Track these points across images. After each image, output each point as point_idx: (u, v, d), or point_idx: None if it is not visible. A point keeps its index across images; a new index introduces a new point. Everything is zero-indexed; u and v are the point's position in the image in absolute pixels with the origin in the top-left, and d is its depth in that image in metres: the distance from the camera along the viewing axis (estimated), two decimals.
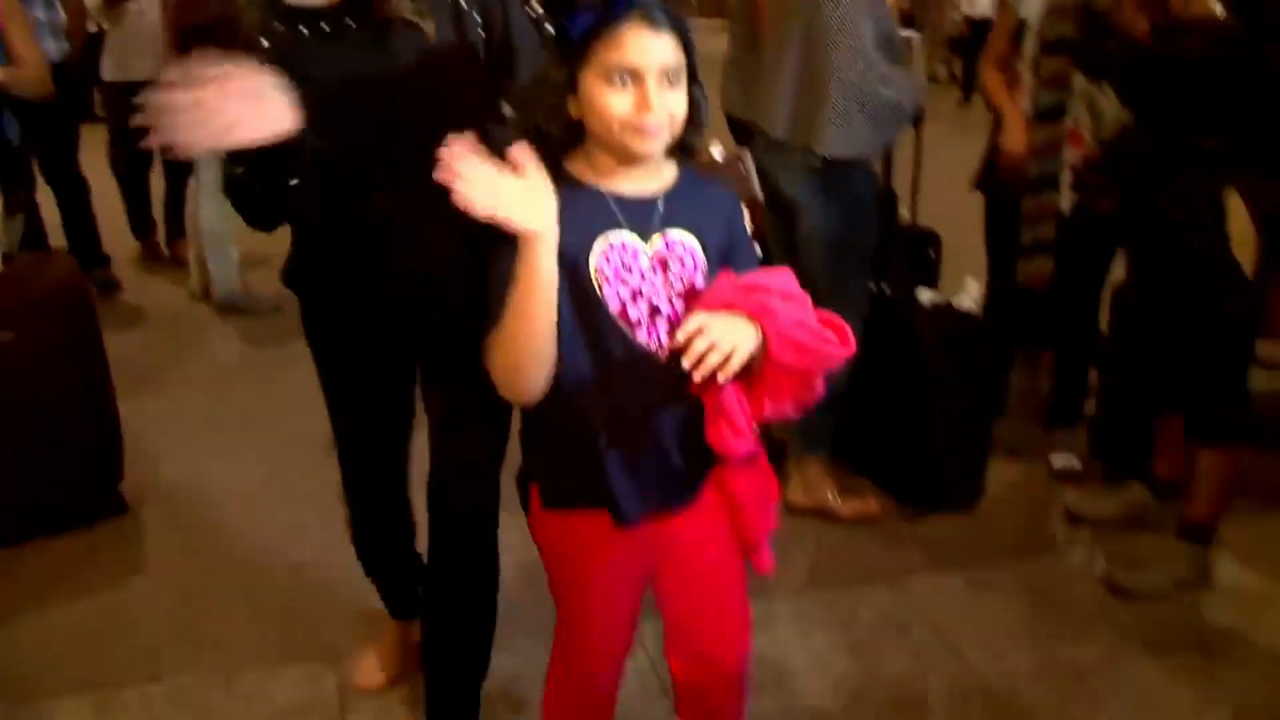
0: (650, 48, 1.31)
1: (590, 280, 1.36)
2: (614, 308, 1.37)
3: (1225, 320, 2.47)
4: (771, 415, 1.39)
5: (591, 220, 1.37)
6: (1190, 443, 2.63)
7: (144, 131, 1.28)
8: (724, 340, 1.28)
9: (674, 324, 1.38)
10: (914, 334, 2.83)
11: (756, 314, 1.32)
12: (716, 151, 1.59)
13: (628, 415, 1.41)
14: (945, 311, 2.90)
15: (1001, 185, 3.11)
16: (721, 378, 1.29)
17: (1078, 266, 3.03)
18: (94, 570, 2.65)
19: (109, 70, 4.68)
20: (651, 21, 1.32)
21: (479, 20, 1.65)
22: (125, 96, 4.37)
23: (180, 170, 4.64)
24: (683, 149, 1.42)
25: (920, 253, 3.20)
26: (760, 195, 1.60)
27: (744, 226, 1.49)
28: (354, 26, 1.58)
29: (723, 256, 1.43)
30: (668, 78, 1.33)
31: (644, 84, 1.32)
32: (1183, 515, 2.65)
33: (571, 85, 1.35)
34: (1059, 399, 3.26)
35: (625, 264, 1.37)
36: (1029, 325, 3.23)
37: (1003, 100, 3.11)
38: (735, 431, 1.38)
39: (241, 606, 2.50)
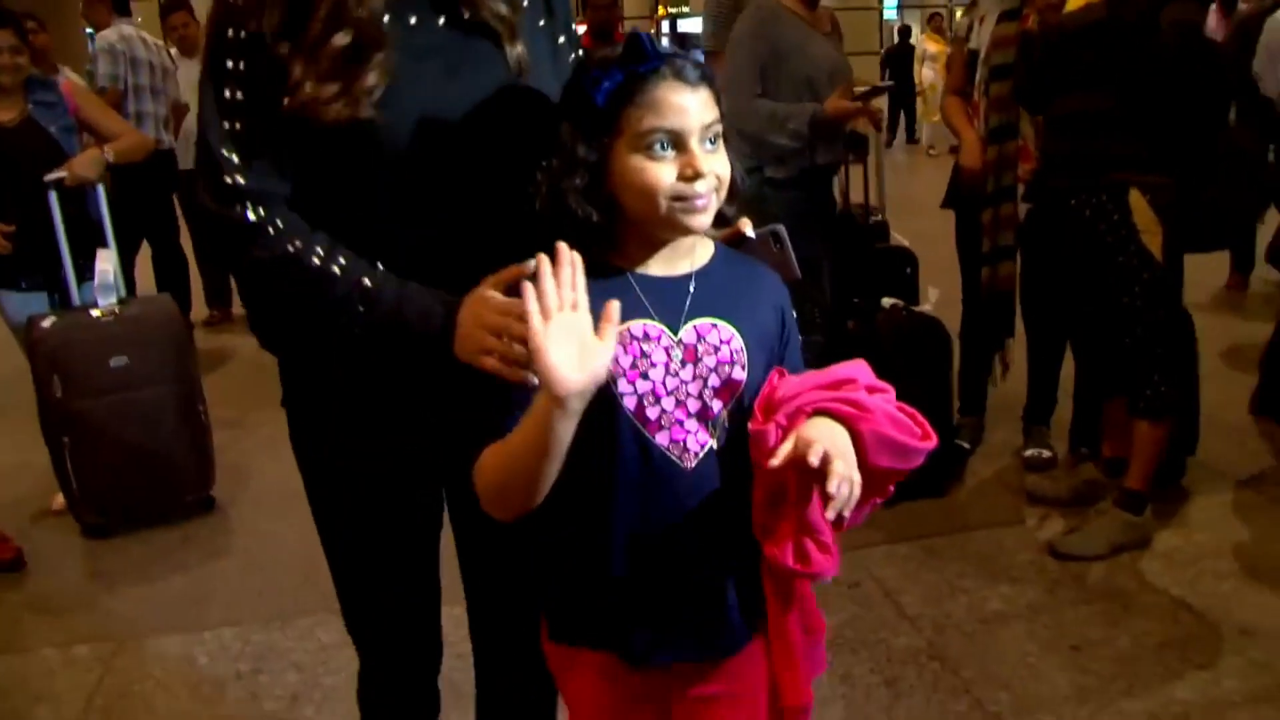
0: (689, 106, 1.13)
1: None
2: (629, 405, 1.17)
3: (1148, 302, 2.81)
4: (849, 527, 1.15)
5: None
6: (1131, 419, 2.94)
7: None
8: (848, 465, 1.08)
9: (704, 425, 1.19)
10: (875, 332, 3.23)
11: (852, 416, 1.12)
12: (748, 229, 1.32)
13: (649, 532, 1.19)
14: (902, 313, 3.30)
15: (964, 200, 3.50)
16: (848, 511, 1.09)
17: (1038, 270, 3.38)
18: (186, 553, 3.23)
19: (185, 159, 5.42)
20: (684, 76, 1.14)
21: (571, 44, 1.42)
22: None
23: None
24: (718, 221, 1.22)
25: (898, 269, 3.60)
26: (799, 274, 1.35)
27: (793, 316, 1.29)
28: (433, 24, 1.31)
29: (770, 349, 1.24)
30: (709, 138, 1.15)
31: (688, 148, 1.13)
32: (1121, 486, 2.97)
33: (603, 160, 1.15)
34: (1031, 397, 3.59)
35: (645, 353, 1.17)
36: (999, 326, 3.56)
37: (960, 124, 3.51)
38: (822, 547, 1.14)
39: (302, 574, 3.02)
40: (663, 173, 1.13)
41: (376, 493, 1.45)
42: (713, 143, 1.16)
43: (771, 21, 3.00)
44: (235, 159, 1.23)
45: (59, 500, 3.43)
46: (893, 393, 1.19)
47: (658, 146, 1.13)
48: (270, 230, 1.24)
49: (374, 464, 1.43)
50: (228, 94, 1.23)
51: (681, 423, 1.18)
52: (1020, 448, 3.58)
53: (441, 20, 1.30)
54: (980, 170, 3.38)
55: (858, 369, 1.19)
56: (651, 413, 1.17)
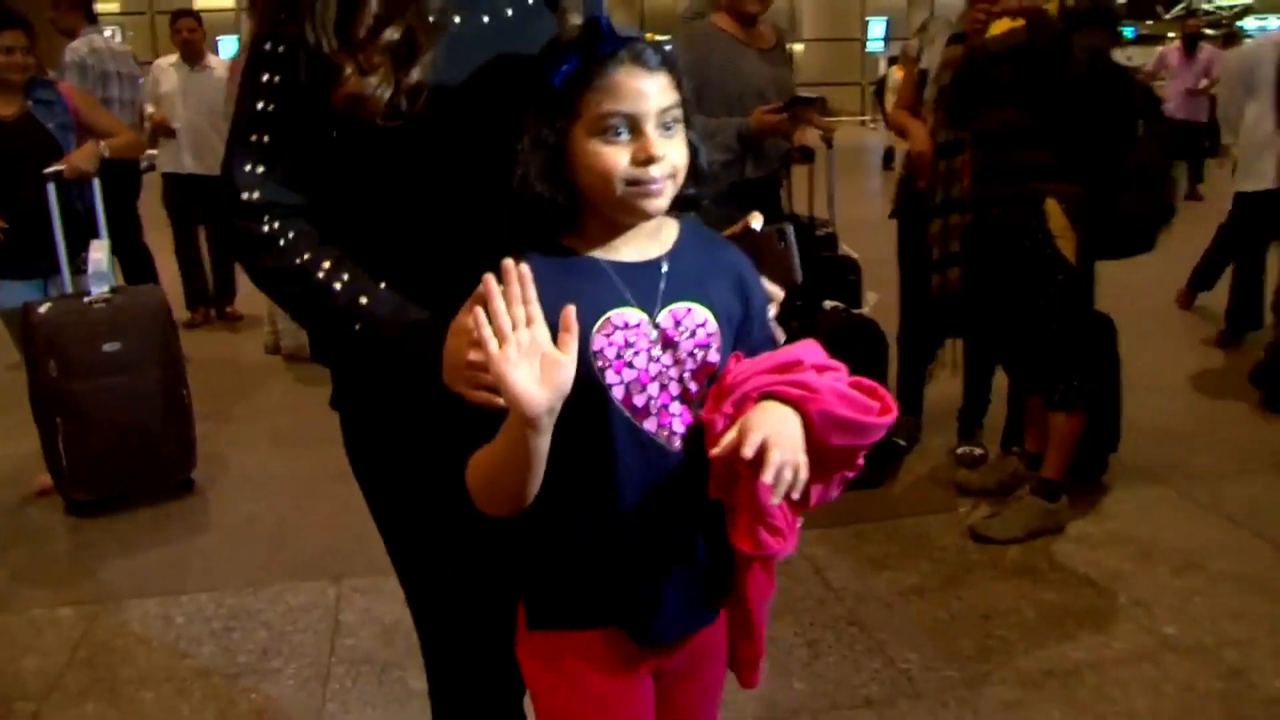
0: (647, 90, 1.14)
1: (590, 366, 1.16)
2: (617, 395, 1.18)
3: (1059, 302, 3.06)
4: (818, 503, 1.18)
5: (591, 297, 1.17)
6: (1047, 412, 3.19)
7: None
8: (791, 450, 1.08)
9: (687, 406, 1.21)
10: (815, 332, 3.47)
11: (799, 398, 1.12)
12: (756, 223, 1.34)
13: (639, 515, 1.21)
14: (842, 314, 3.54)
15: (909, 210, 3.73)
16: (797, 494, 1.10)
17: (974, 277, 3.58)
18: (167, 528, 3.43)
19: (168, 164, 5.79)
20: (643, 60, 1.15)
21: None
22: (182, 187, 5.80)
23: None
24: (686, 204, 1.23)
25: (842, 276, 3.83)
26: (800, 278, 1.35)
27: (761, 294, 1.29)
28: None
29: (737, 327, 1.25)
30: (666, 123, 1.16)
31: (644, 132, 1.14)
32: (1038, 476, 3.21)
33: (562, 143, 1.17)
34: (967, 399, 3.83)
35: (629, 343, 1.18)
36: (947, 327, 3.78)
37: (906, 120, 3.77)
38: (773, 531, 1.15)
39: (275, 546, 3.23)
40: (618, 157, 1.14)
41: (436, 507, 1.37)
42: (669, 127, 1.17)
43: (701, 42, 3.20)
44: (257, 171, 1.27)
45: (44, 480, 3.62)
46: (844, 370, 1.19)
47: (613, 131, 1.14)
48: (281, 242, 1.27)
49: (429, 476, 1.35)
50: (259, 106, 1.26)
51: (666, 406, 1.20)
52: (954, 447, 3.82)
53: (510, 10, 1.34)
54: (931, 153, 3.53)
55: (807, 349, 1.19)
56: (639, 400, 1.19)
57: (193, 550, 3.28)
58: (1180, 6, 23.87)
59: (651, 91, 1.14)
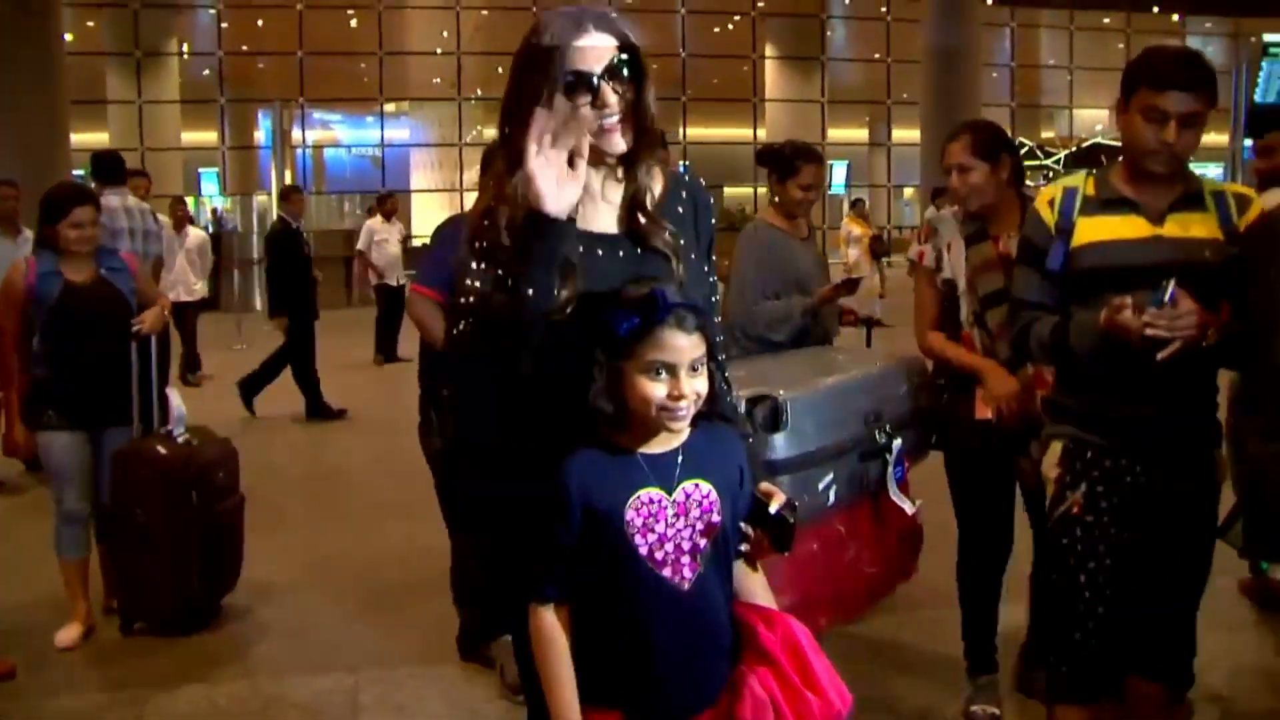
0: (682, 346, 1.58)
1: (624, 532, 1.61)
2: (643, 552, 1.62)
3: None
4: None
5: (625, 479, 1.62)
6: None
7: None
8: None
9: (695, 559, 1.64)
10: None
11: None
12: (774, 505, 1.77)
13: (655, 635, 1.63)
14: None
15: (994, 436, 3.08)
16: None
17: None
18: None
19: None
20: (683, 324, 1.59)
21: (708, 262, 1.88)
22: None
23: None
24: (715, 416, 1.69)
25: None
26: (788, 551, 1.78)
27: (749, 470, 1.74)
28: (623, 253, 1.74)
29: (734, 493, 1.69)
30: (694, 366, 1.60)
31: (677, 375, 1.58)
32: None
33: (618, 372, 1.59)
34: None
35: (653, 515, 1.62)
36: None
37: (966, 356, 3.17)
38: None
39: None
40: (656, 389, 1.59)
41: None
42: (696, 369, 1.60)
43: (764, 235, 3.85)
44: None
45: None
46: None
47: (655, 371, 1.58)
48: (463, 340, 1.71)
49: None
50: (463, 300, 1.70)
51: (679, 559, 1.64)
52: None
53: (622, 252, 1.74)
54: (1019, 392, 3.02)
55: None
56: (659, 555, 1.63)
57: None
58: None
59: (686, 347, 1.60)
